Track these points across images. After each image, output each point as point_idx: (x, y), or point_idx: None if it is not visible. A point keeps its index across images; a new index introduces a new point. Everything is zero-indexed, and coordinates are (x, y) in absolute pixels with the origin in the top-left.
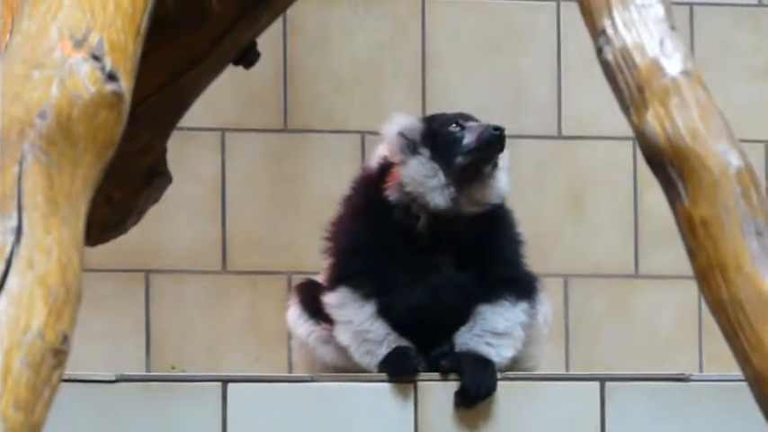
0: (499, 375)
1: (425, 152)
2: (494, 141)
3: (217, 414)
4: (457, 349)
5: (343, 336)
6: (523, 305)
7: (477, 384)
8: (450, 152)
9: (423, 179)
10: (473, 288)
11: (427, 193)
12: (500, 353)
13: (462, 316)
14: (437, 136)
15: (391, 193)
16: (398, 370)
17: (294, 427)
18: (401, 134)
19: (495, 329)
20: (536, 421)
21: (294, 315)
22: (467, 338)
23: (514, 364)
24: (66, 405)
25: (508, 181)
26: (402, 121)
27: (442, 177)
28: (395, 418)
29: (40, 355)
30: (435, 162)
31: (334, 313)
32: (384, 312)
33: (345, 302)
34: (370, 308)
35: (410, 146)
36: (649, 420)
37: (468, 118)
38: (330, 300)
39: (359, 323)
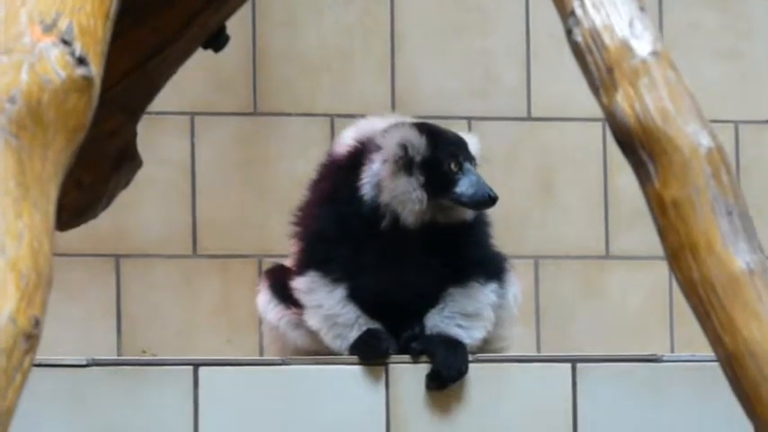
0: (470, 357)
1: (418, 177)
2: (484, 205)
3: (188, 397)
4: (427, 332)
5: (313, 320)
6: (493, 286)
7: (449, 366)
8: (440, 188)
9: (405, 200)
10: (442, 270)
11: (403, 211)
12: (471, 334)
13: (432, 298)
14: (434, 167)
15: (365, 189)
16: (369, 353)
17: (266, 410)
18: (402, 147)
19: (464, 311)
20: (508, 403)
21: (264, 300)
22: (437, 320)
23: (485, 345)
24: (38, 390)
25: None
26: (404, 132)
27: (423, 204)
28: (366, 400)
29: (11, 339)
30: (423, 190)
31: (304, 298)
32: (354, 296)
33: (315, 287)
34: (339, 292)
35: (406, 164)
36: (621, 401)
37: (466, 154)
38: (299, 285)
39: (329, 307)
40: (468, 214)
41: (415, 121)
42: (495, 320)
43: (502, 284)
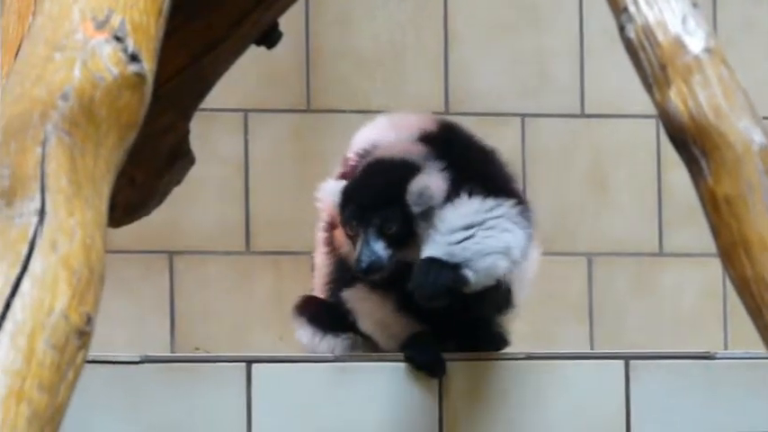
0: (523, 354)
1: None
2: (364, 274)
3: (241, 394)
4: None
5: (365, 324)
6: (498, 200)
7: (417, 285)
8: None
9: (348, 253)
10: None
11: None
12: (466, 246)
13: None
14: (344, 227)
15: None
16: (421, 358)
17: (318, 407)
18: (326, 204)
19: (454, 226)
20: (560, 400)
21: (308, 336)
22: (428, 251)
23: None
24: (90, 386)
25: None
26: (328, 191)
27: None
28: (419, 396)
29: (64, 336)
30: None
31: (356, 305)
32: (402, 305)
33: (365, 296)
34: (390, 304)
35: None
36: (674, 398)
37: (366, 213)
38: (350, 295)
39: (382, 316)
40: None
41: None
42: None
43: (510, 202)
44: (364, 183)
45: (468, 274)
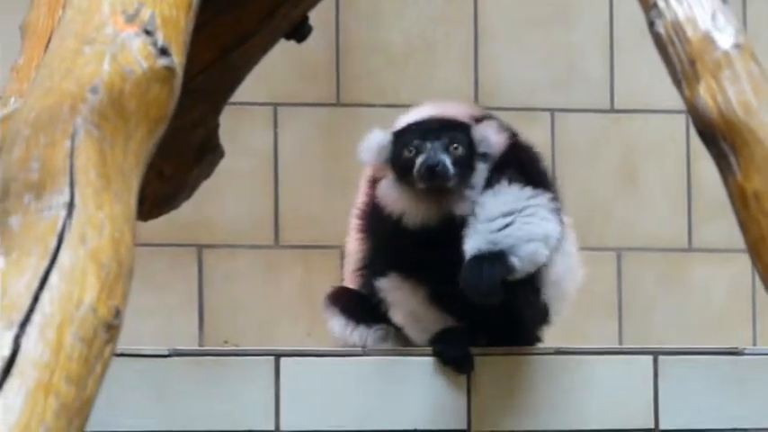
0: (552, 349)
1: (390, 175)
2: (428, 177)
3: (270, 388)
4: (465, 259)
5: (397, 315)
6: (537, 191)
7: (472, 284)
8: (409, 177)
9: (392, 201)
10: None
11: (400, 213)
12: (508, 233)
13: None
14: (398, 160)
15: (382, 203)
16: (450, 352)
17: (347, 400)
18: (371, 154)
19: (494, 214)
20: (589, 395)
21: (340, 325)
22: (470, 242)
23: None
24: (119, 379)
25: (479, 191)
26: (373, 139)
27: (407, 199)
28: (447, 390)
29: (92, 329)
30: (402, 184)
31: (389, 295)
32: (434, 297)
33: (398, 286)
34: (422, 294)
35: (380, 167)
36: (703, 394)
37: (431, 133)
38: (383, 284)
39: (413, 306)
40: (474, 195)
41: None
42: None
43: (549, 194)
44: (426, 120)
45: (514, 261)
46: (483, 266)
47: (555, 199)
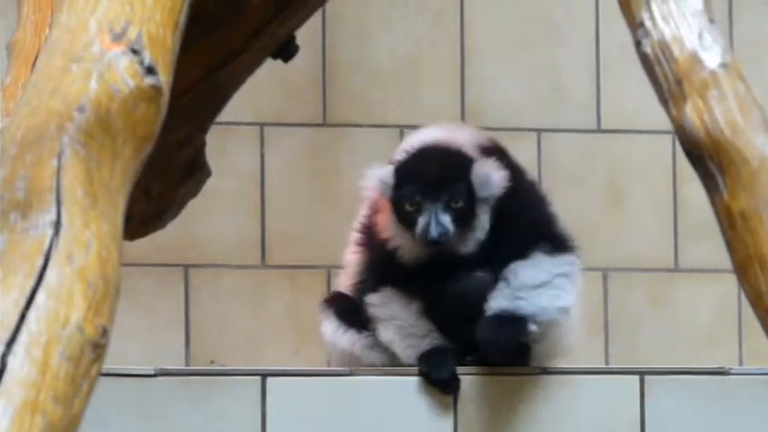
0: (538, 369)
1: (391, 213)
2: (429, 244)
3: (256, 408)
4: (487, 314)
5: (385, 333)
6: (563, 257)
7: (491, 340)
8: (410, 229)
9: (390, 237)
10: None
11: (397, 248)
12: (534, 303)
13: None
14: (400, 207)
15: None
16: (436, 371)
17: (333, 421)
18: (372, 190)
19: (526, 284)
20: (575, 415)
21: (332, 328)
22: (496, 302)
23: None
24: (105, 399)
25: (486, 228)
26: (375, 175)
27: (405, 240)
28: (434, 412)
29: (78, 348)
30: (402, 227)
31: (378, 311)
32: (426, 312)
33: (389, 301)
34: (414, 306)
35: (380, 201)
36: (689, 414)
37: (431, 190)
38: (373, 299)
39: (404, 319)
40: (471, 244)
41: (425, 145)
42: (571, 292)
43: (572, 259)
44: (425, 161)
45: (533, 327)
46: (504, 326)
47: (576, 256)
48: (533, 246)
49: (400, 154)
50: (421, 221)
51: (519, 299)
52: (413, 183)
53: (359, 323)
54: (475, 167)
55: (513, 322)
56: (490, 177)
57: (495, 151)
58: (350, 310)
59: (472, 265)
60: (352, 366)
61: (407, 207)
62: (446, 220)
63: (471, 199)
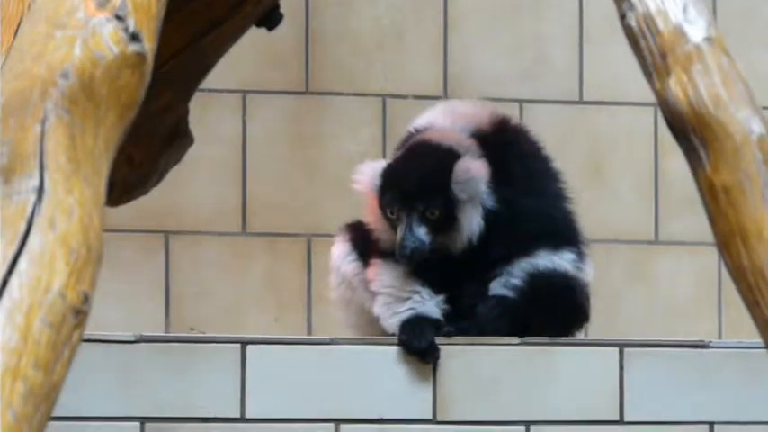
0: (517, 340)
1: (384, 213)
2: (406, 258)
3: (236, 375)
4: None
5: (375, 306)
6: (568, 254)
7: (483, 316)
8: (392, 228)
9: (380, 232)
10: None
11: (388, 242)
12: (525, 295)
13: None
14: (384, 210)
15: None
16: (414, 341)
17: (313, 389)
18: (363, 185)
19: (523, 277)
20: (555, 386)
21: (341, 252)
22: (497, 288)
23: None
24: (86, 365)
25: (477, 223)
26: (366, 171)
27: (393, 238)
28: (413, 381)
29: (60, 314)
30: (390, 227)
31: (372, 285)
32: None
33: (381, 272)
34: (403, 269)
35: (371, 195)
36: (668, 387)
37: (407, 200)
38: (369, 274)
39: (390, 280)
40: (459, 242)
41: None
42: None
43: (580, 256)
44: (407, 167)
45: (527, 308)
46: (501, 309)
47: (577, 247)
48: (536, 241)
49: (398, 146)
50: (399, 232)
51: (516, 288)
52: (393, 190)
53: (367, 257)
54: (456, 169)
55: (509, 305)
56: (472, 178)
57: (507, 131)
58: (365, 241)
59: (473, 259)
60: (347, 296)
61: (389, 213)
62: (421, 232)
63: (450, 206)
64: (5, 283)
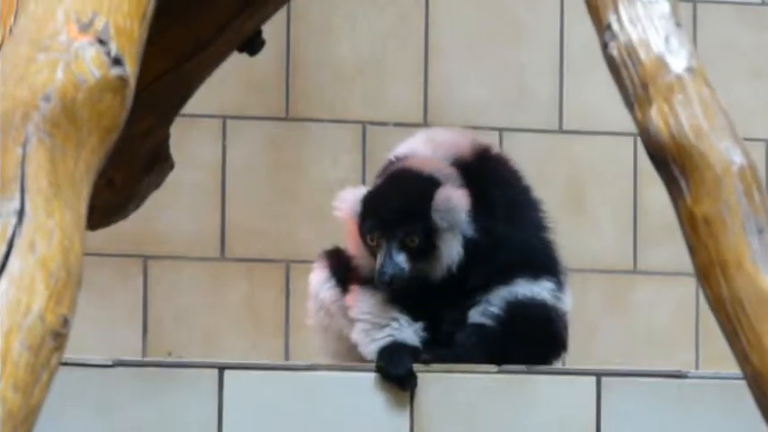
0: (495, 368)
1: (363, 243)
2: (384, 285)
3: (213, 400)
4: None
5: (354, 333)
6: (547, 283)
7: (461, 344)
8: (372, 254)
9: (359, 257)
10: (483, 280)
11: (368, 269)
12: (503, 325)
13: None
14: (363, 237)
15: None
16: (391, 368)
17: (290, 415)
18: (343, 212)
19: (501, 306)
20: (532, 415)
21: (320, 279)
22: (476, 316)
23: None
24: (62, 389)
25: (457, 251)
26: (347, 197)
27: (372, 265)
28: (391, 409)
29: (39, 337)
30: (369, 253)
31: (352, 312)
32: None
33: (360, 299)
34: (381, 296)
35: (351, 222)
36: (645, 417)
37: (387, 227)
38: (348, 301)
39: (368, 307)
40: (439, 269)
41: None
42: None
43: (558, 285)
44: (387, 194)
45: (507, 340)
46: (480, 337)
47: (557, 278)
48: (515, 269)
49: (378, 173)
50: (378, 259)
51: (494, 318)
52: (373, 217)
53: (346, 284)
54: (437, 197)
55: (488, 335)
56: (452, 206)
57: (488, 160)
58: (344, 268)
59: (452, 287)
60: (325, 323)
61: (369, 240)
62: (401, 259)
63: (430, 233)
64: None
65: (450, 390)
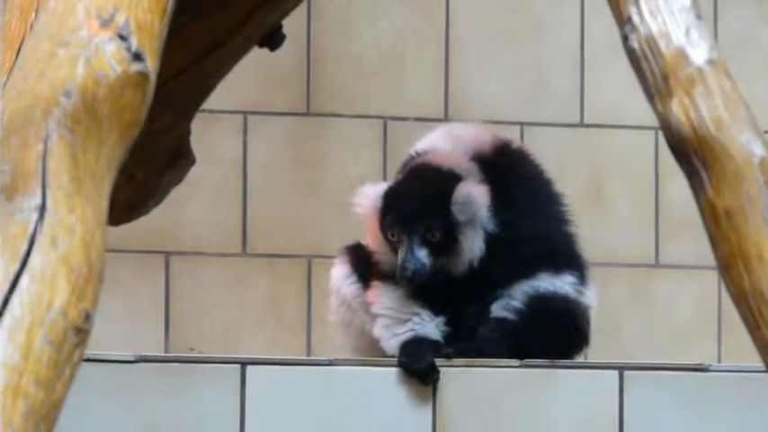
0: (517, 363)
1: (385, 239)
2: (406, 281)
3: (235, 396)
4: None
5: (376, 329)
6: (569, 277)
7: (484, 339)
8: (393, 250)
9: (381, 254)
10: (506, 275)
11: (389, 265)
12: (526, 319)
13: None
14: (385, 233)
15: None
16: (413, 362)
17: (312, 410)
18: (363, 208)
19: (524, 300)
20: (554, 409)
21: (341, 274)
22: (499, 310)
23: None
24: (84, 384)
25: (479, 246)
26: (368, 193)
27: (393, 260)
28: (413, 403)
29: (62, 332)
30: (390, 249)
31: (372, 308)
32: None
33: (381, 294)
34: (403, 291)
35: (371, 218)
36: (668, 410)
37: (408, 222)
38: (369, 296)
39: (389, 302)
40: (460, 265)
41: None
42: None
43: (580, 279)
44: (408, 189)
45: (529, 336)
46: (502, 331)
47: (579, 272)
48: (537, 264)
49: (399, 169)
50: (399, 254)
51: (517, 311)
52: (393, 213)
53: (368, 279)
54: (456, 192)
55: (511, 328)
56: (473, 201)
57: (508, 154)
58: (366, 264)
59: (474, 282)
60: (347, 318)
61: (390, 236)
62: (422, 254)
63: (450, 228)
64: (7, 301)
65: (472, 384)
